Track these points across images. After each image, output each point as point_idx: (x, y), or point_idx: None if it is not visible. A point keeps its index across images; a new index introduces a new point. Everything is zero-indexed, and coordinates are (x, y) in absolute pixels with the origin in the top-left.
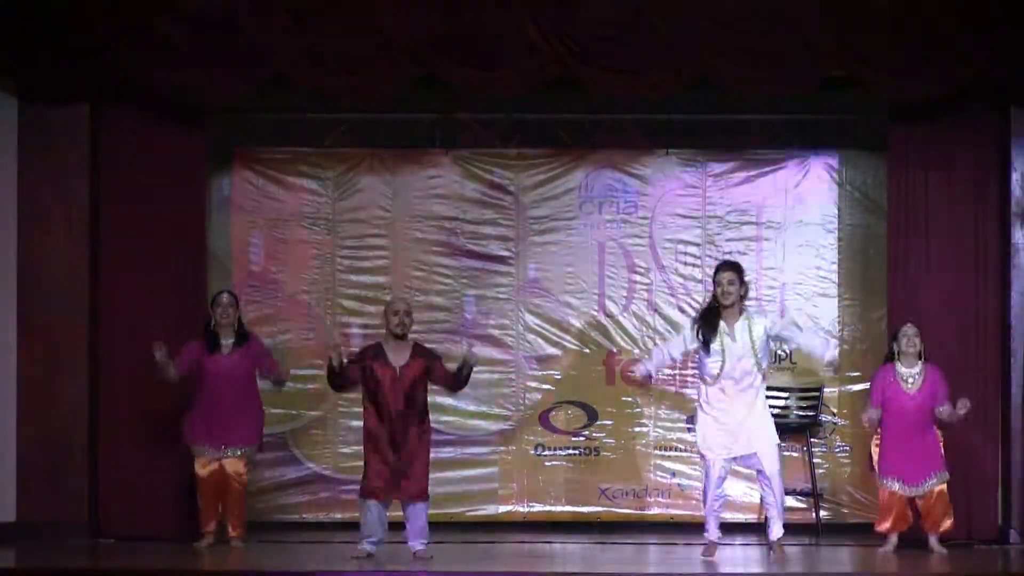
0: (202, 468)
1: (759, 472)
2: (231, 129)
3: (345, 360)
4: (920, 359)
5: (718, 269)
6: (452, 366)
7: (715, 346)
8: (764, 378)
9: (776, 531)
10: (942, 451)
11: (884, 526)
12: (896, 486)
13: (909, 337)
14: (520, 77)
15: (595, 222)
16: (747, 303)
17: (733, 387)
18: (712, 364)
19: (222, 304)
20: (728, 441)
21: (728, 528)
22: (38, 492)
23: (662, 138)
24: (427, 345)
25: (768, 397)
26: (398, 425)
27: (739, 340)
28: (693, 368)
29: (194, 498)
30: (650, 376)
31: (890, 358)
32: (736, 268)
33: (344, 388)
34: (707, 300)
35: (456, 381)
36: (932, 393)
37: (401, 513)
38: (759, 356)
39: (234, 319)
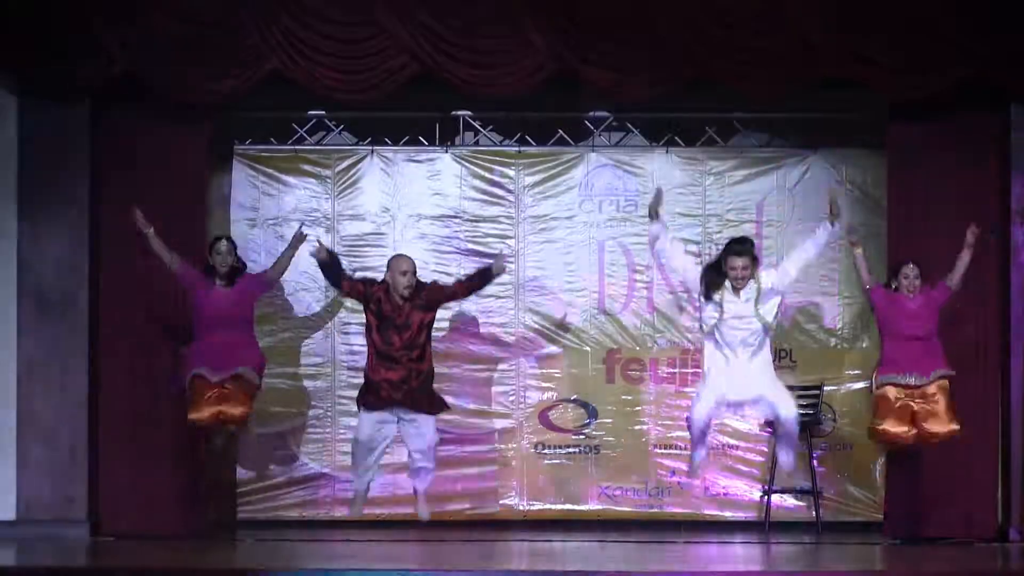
0: (199, 411)
1: (770, 423)
2: (231, 129)
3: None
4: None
5: (731, 252)
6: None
7: (716, 297)
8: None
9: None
10: (943, 354)
11: (883, 425)
12: (897, 379)
13: (911, 279)
14: (520, 77)
15: (595, 220)
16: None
17: (740, 350)
18: (710, 315)
19: (221, 252)
20: (731, 385)
21: (728, 527)
22: (38, 492)
23: (662, 137)
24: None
25: None
26: (401, 355)
27: (744, 301)
28: (695, 368)
29: (195, 496)
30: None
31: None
32: (750, 252)
33: (338, 285)
34: (715, 258)
35: (470, 285)
36: (931, 296)
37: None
38: (763, 316)
39: (231, 264)
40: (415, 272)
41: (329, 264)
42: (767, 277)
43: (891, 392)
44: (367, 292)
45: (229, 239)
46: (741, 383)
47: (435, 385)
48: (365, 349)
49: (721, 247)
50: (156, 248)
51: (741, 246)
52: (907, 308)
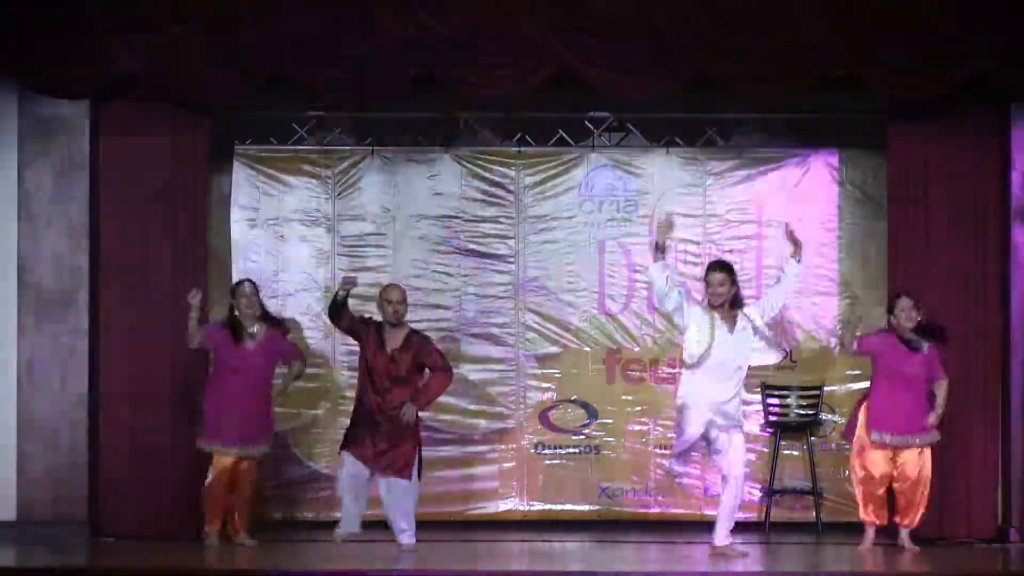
0: (217, 464)
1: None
2: (231, 129)
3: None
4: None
5: (709, 268)
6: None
7: (703, 327)
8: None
9: (721, 537)
10: (932, 416)
11: (861, 513)
12: (887, 438)
13: (907, 311)
14: (520, 77)
15: (595, 221)
16: (746, 300)
17: (719, 373)
18: (697, 344)
19: (245, 294)
20: (711, 406)
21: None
22: (38, 492)
23: (662, 137)
24: (422, 333)
25: (769, 396)
26: (388, 403)
27: (730, 335)
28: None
29: (197, 493)
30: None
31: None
32: (727, 268)
33: (339, 322)
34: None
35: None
36: (930, 361)
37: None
38: (743, 353)
39: (258, 308)
40: (403, 300)
41: (340, 306)
42: (754, 313)
43: (877, 440)
44: (365, 326)
45: (252, 281)
46: (720, 400)
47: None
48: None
49: (721, 247)
50: (191, 334)
51: (717, 264)
52: (902, 363)
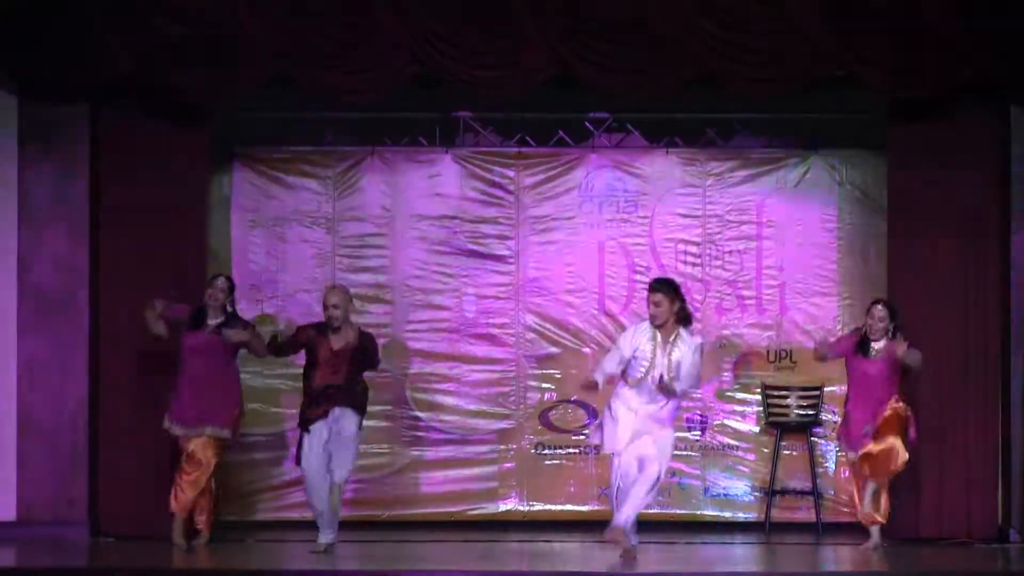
0: (184, 449)
1: (640, 470)
2: (231, 129)
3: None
4: (887, 336)
5: (650, 288)
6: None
7: (647, 352)
8: (679, 399)
9: (620, 519)
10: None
11: (859, 514)
12: (851, 456)
13: (875, 319)
14: (520, 77)
15: (595, 221)
16: (692, 323)
17: (649, 394)
18: (640, 367)
19: (215, 287)
20: (631, 435)
21: (728, 527)
22: (38, 491)
23: (662, 137)
24: (368, 334)
25: (769, 396)
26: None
27: (665, 357)
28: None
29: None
30: (597, 385)
31: (862, 330)
32: (665, 287)
33: (278, 354)
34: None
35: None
36: (886, 359)
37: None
38: (673, 377)
39: (223, 303)
40: (337, 305)
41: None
42: (687, 346)
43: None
44: (304, 337)
45: (228, 278)
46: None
47: (436, 386)
48: None
49: (721, 248)
50: (154, 326)
51: (657, 283)
52: (867, 372)
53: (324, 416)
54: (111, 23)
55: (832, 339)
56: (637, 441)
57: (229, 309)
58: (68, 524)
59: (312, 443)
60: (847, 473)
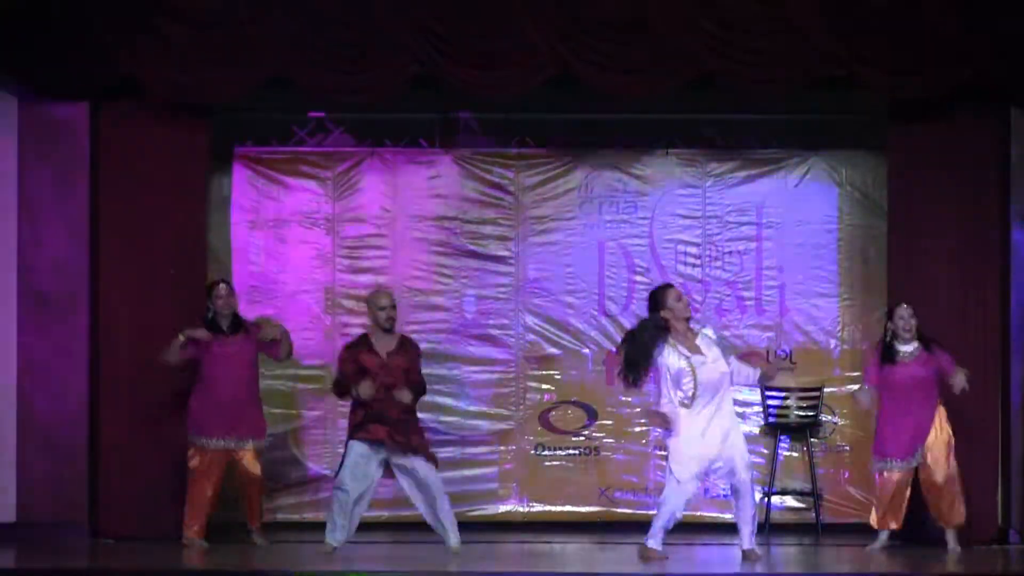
0: (198, 459)
1: (732, 486)
2: (231, 129)
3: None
4: (916, 340)
5: (668, 287)
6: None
7: (684, 368)
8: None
9: (747, 542)
10: (937, 427)
11: (874, 517)
12: (887, 464)
13: (905, 319)
14: (520, 77)
15: (595, 222)
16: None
17: (712, 399)
18: (686, 386)
19: (222, 295)
20: (709, 453)
21: (728, 529)
22: (38, 492)
23: (662, 138)
24: (413, 341)
25: (768, 397)
26: (388, 403)
27: (707, 352)
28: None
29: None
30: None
31: (885, 338)
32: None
33: (343, 397)
34: (646, 329)
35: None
36: (926, 364)
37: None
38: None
39: (234, 307)
40: (395, 305)
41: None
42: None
43: (886, 466)
44: (354, 360)
45: (227, 281)
46: (713, 436)
47: (436, 386)
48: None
49: (721, 248)
50: (169, 355)
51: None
52: (899, 379)
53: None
54: (111, 23)
55: (865, 386)
56: (707, 467)
57: (236, 313)
58: (68, 525)
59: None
60: (847, 475)
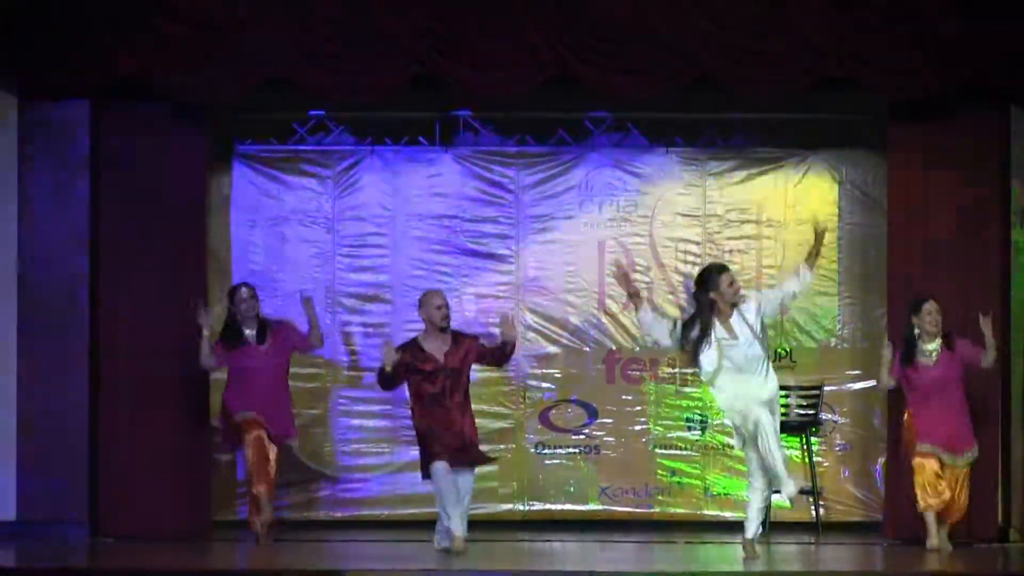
0: (249, 433)
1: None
2: (231, 129)
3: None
4: (941, 335)
5: (723, 270)
6: (490, 343)
7: (713, 353)
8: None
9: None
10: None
11: (927, 501)
12: (937, 451)
13: (932, 314)
14: (520, 77)
15: (595, 221)
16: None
17: (745, 371)
18: (706, 362)
19: (244, 298)
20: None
21: (728, 527)
22: (38, 492)
23: (662, 137)
24: (465, 332)
25: None
26: (452, 406)
27: (740, 335)
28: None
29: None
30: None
31: (909, 336)
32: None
33: (391, 388)
34: (693, 309)
35: (501, 356)
36: (948, 366)
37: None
38: (762, 340)
39: (257, 310)
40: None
41: (389, 376)
42: (752, 306)
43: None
44: (405, 363)
45: (248, 285)
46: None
47: None
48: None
49: (721, 247)
50: (204, 346)
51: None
52: (928, 376)
53: None
54: (111, 23)
55: (884, 378)
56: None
57: (260, 316)
58: (68, 524)
59: None
60: (847, 472)
